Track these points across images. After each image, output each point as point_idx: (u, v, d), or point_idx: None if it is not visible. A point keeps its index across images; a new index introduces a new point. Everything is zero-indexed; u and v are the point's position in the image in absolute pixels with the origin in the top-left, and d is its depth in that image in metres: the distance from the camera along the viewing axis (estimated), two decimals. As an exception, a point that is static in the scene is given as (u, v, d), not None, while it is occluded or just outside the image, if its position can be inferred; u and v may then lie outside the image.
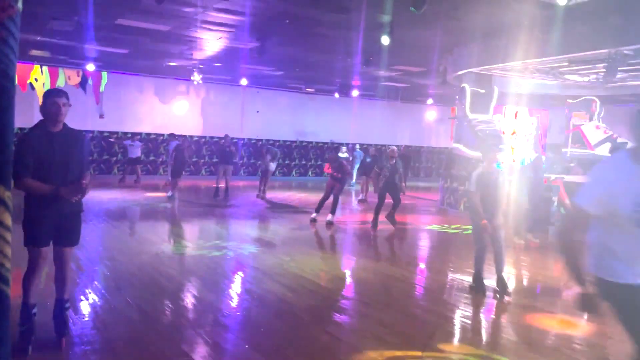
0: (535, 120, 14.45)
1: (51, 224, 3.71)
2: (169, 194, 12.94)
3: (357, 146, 19.02)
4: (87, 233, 8.66)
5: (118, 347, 3.95)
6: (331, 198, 10.03)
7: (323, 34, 10.42)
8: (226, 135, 13.82)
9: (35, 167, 3.53)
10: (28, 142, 3.56)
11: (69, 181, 3.66)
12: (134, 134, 18.42)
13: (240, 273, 6.52)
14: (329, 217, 9.89)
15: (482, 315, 5.36)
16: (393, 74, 15.16)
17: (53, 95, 3.68)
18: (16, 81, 9.81)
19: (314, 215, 10.17)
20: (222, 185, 13.30)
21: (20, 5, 1.18)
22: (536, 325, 4.97)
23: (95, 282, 5.75)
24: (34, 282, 3.75)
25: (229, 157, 13.28)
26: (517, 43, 9.85)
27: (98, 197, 12.10)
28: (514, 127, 14.10)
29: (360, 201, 14.26)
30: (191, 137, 19.47)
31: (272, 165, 13.70)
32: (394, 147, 10.37)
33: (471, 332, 4.82)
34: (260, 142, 19.90)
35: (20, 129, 14.89)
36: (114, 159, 18.94)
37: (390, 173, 9.77)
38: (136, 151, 16.23)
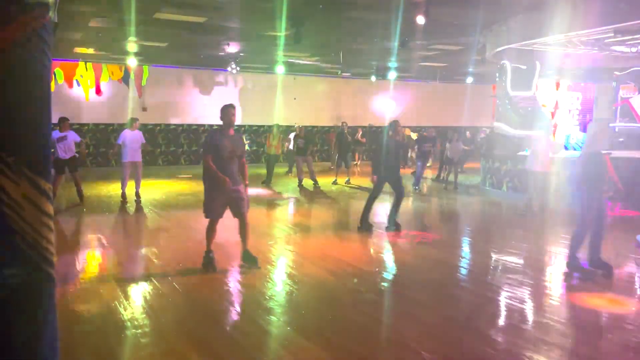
0: (579, 94, 13.94)
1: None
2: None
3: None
4: (134, 223, 9.01)
5: (166, 331, 4.15)
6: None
7: (357, 17, 10.35)
8: (343, 123, 13.31)
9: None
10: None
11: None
12: (178, 125, 18.84)
13: (282, 258, 6.65)
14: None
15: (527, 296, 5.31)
16: (430, 53, 14.89)
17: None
18: (62, 80, 10.22)
19: None
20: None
21: (51, 14, 1.27)
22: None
23: (144, 270, 6.01)
24: None
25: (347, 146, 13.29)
26: (559, 16, 9.49)
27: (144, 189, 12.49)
28: (556, 101, 13.65)
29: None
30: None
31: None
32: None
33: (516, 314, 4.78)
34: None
35: (71, 124, 15.55)
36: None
37: None
38: (68, 148, 9.92)
